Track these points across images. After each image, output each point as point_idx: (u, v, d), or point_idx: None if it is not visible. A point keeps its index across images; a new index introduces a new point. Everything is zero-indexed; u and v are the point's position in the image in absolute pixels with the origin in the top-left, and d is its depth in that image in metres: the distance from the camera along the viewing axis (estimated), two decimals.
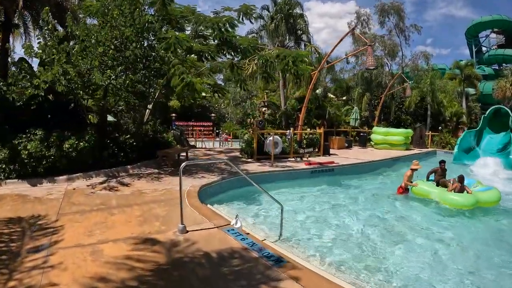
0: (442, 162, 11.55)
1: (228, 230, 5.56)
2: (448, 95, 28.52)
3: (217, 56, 12.97)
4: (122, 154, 11.25)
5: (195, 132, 37.03)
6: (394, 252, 6.13)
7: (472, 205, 9.13)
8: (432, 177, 11.58)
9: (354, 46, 29.49)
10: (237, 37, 12.10)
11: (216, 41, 12.58)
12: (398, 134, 23.10)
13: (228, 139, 34.41)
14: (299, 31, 21.49)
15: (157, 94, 13.24)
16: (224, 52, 12.88)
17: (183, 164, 5.68)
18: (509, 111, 29.49)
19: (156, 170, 11.51)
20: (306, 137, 16.92)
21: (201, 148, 21.64)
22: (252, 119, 39.92)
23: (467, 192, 9.55)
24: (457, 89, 30.01)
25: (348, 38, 23.92)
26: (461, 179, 9.98)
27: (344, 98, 30.48)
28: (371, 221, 8.08)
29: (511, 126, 27.25)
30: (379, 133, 23.44)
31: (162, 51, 10.03)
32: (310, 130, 18.01)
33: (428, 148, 25.52)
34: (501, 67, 45.17)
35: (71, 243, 4.89)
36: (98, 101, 11.22)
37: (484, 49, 47.33)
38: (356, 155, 19.26)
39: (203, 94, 14.08)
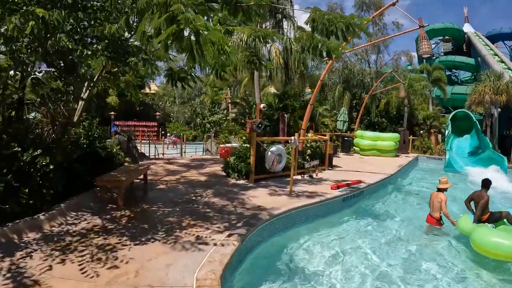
0: (488, 182, 7.09)
1: None
2: (423, 97, 26.01)
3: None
4: (27, 190, 5.34)
5: (137, 133, 30.30)
6: None
7: None
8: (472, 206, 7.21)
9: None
10: None
11: None
12: (388, 139, 19.42)
13: (177, 142, 28.49)
14: (279, 15, 16.47)
15: (102, 65, 7.22)
16: (214, 14, 7.34)
17: None
18: (471, 114, 28.20)
19: (98, 220, 5.74)
20: (308, 145, 12.07)
21: (155, 158, 15.61)
22: (204, 119, 33.98)
23: None
24: (425, 92, 27.69)
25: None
26: None
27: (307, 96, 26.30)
28: None
29: (478, 128, 25.85)
30: (367, 137, 19.54)
31: None
32: (313, 135, 13.21)
33: (409, 153, 22.36)
34: (451, 73, 45.17)
35: None
36: None
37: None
38: (359, 165, 14.98)
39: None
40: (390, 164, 16.17)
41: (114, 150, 9.04)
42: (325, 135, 12.77)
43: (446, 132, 27.79)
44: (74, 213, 5.92)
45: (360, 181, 10.48)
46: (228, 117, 20.50)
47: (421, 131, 24.69)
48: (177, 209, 6.49)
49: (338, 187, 9.43)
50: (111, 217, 5.89)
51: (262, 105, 9.96)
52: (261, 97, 16.93)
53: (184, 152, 20.80)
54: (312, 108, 12.05)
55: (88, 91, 8.76)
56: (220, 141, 17.01)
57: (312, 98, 11.83)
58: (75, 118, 9.15)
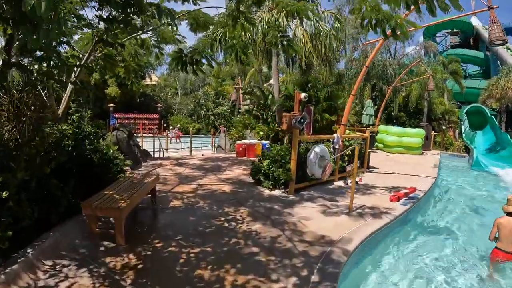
0: None
1: None
2: (440, 91, 23.64)
3: None
4: None
5: (137, 126, 27.74)
6: None
7: None
8: None
9: None
10: None
11: None
12: (415, 135, 17.12)
13: (180, 136, 26.01)
14: None
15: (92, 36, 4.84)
16: None
17: None
18: (486, 110, 26.17)
19: (86, 278, 3.34)
20: (347, 143, 9.72)
21: (161, 158, 13.18)
22: (208, 111, 30.79)
23: None
24: (444, 85, 25.36)
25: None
26: None
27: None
28: None
29: (496, 124, 23.79)
30: (391, 133, 17.20)
31: None
32: (354, 132, 10.87)
33: (430, 149, 20.09)
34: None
35: None
36: None
37: (439, 48, 44.42)
38: (393, 165, 12.75)
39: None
40: (424, 164, 13.98)
41: (111, 151, 6.60)
42: (364, 131, 10.43)
43: (463, 128, 25.60)
44: (50, 264, 3.55)
45: (415, 189, 8.31)
46: (239, 110, 17.99)
47: (444, 127, 22.43)
48: (208, 249, 4.13)
49: (398, 199, 7.25)
50: (107, 271, 3.51)
51: (303, 95, 7.53)
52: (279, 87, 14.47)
53: (190, 147, 18.38)
54: (353, 100, 9.71)
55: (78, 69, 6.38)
56: (233, 137, 14.60)
57: (355, 87, 9.48)
58: (60, 111, 6.77)
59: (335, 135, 8.35)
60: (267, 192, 7.05)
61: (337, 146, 8.29)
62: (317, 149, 7.30)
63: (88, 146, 5.83)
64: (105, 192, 4.48)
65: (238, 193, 6.85)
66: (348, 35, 18.64)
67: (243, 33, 8.94)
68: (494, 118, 24.90)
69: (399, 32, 6.07)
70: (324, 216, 5.79)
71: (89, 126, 7.02)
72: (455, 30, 41.54)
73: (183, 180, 7.81)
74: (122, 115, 27.92)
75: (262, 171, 7.25)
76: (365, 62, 21.90)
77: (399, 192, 7.73)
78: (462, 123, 25.93)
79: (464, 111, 26.69)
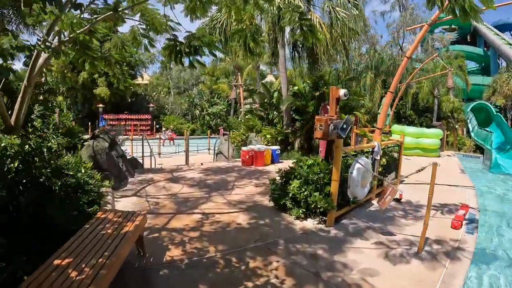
0: None
1: None
2: (446, 88, 22.05)
3: None
4: None
5: (128, 127, 25.53)
6: None
7: None
8: None
9: None
10: None
11: None
12: (432, 136, 15.41)
13: (174, 138, 23.92)
14: None
15: None
16: None
17: None
18: (491, 107, 24.79)
19: None
20: (383, 151, 7.88)
21: (152, 169, 11.07)
22: (203, 111, 28.57)
23: None
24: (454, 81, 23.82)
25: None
26: None
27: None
28: None
29: (503, 122, 22.30)
30: (408, 134, 15.41)
31: None
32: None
33: (443, 150, 18.41)
34: None
35: None
36: None
37: (437, 44, 42.92)
38: (422, 172, 10.89)
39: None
40: (450, 169, 12.24)
41: (83, 170, 4.60)
42: (401, 137, 8.56)
43: (470, 126, 24.04)
44: None
45: (468, 207, 6.69)
46: (240, 109, 16.02)
47: (456, 126, 20.79)
48: None
49: (461, 224, 5.52)
50: None
51: (342, 92, 5.61)
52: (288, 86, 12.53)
53: (185, 151, 16.28)
54: (391, 98, 7.84)
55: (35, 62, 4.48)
56: (235, 141, 12.63)
57: (394, 83, 7.62)
58: (13, 117, 4.85)
59: (375, 143, 6.47)
60: (298, 223, 5.11)
61: (377, 157, 6.42)
62: (361, 161, 5.40)
63: (44, 170, 3.84)
64: (55, 262, 2.50)
65: (260, 228, 4.90)
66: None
67: (256, 14, 7.05)
68: (501, 116, 23.45)
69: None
70: (390, 264, 3.91)
71: (54, 135, 5.01)
72: (452, 26, 40.04)
73: (181, 207, 5.82)
74: (113, 116, 25.72)
75: (292, 196, 5.31)
76: (375, 56, 20.19)
77: (458, 214, 5.97)
78: (468, 121, 24.38)
79: (469, 108, 25.21)
